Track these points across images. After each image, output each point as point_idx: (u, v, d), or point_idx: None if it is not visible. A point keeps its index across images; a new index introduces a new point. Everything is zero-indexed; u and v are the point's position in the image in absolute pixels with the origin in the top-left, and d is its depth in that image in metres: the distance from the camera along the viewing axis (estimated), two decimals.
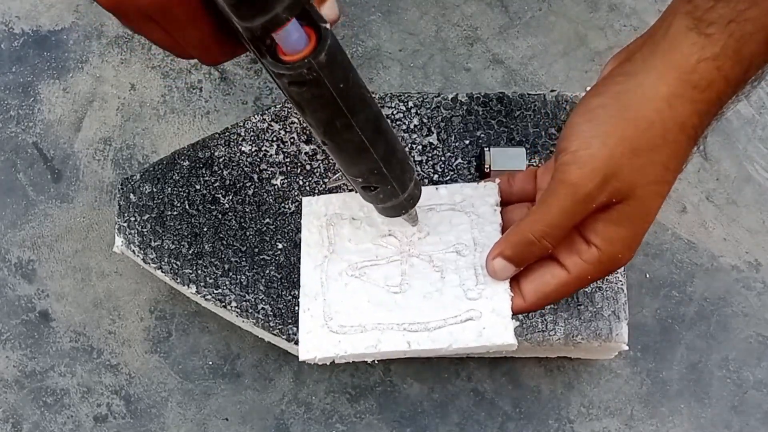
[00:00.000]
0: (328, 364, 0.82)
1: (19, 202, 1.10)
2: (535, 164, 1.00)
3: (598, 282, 0.96)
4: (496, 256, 0.75)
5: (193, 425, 1.03)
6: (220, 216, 0.99)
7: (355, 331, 0.80)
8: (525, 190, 0.82)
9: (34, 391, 1.04)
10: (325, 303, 0.81)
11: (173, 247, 0.98)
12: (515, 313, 0.77)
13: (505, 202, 0.81)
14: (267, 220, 0.98)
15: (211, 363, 1.05)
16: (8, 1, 1.18)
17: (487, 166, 0.89)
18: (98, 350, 1.06)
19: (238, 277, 0.97)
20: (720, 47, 0.67)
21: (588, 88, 1.11)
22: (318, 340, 0.80)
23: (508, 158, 0.88)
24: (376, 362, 1.04)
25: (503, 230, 0.80)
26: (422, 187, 0.82)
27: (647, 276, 1.07)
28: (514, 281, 0.77)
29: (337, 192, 0.91)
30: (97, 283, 1.08)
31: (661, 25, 0.70)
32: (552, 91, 1.04)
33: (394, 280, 0.82)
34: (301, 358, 0.80)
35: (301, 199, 0.90)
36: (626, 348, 0.97)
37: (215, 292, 0.96)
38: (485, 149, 0.89)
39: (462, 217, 0.83)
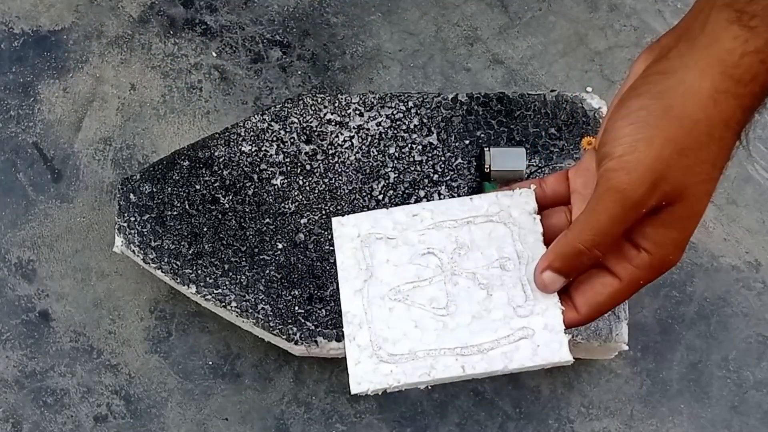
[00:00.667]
0: (380, 393, 0.81)
1: (19, 202, 1.10)
2: (535, 164, 1.00)
3: None
4: (544, 269, 0.73)
5: (193, 425, 1.03)
6: (220, 216, 0.99)
7: (407, 359, 0.77)
8: (558, 193, 0.78)
9: (34, 391, 1.04)
10: (371, 331, 0.79)
11: (173, 247, 0.98)
12: (569, 327, 0.75)
13: (539, 207, 0.79)
14: (267, 220, 0.98)
15: (211, 363, 1.05)
16: (8, 1, 1.18)
17: (487, 165, 0.89)
18: (98, 350, 1.06)
19: (238, 277, 0.97)
20: (764, 40, 0.64)
21: (588, 89, 1.12)
22: (369, 371, 0.78)
23: (508, 158, 0.89)
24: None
25: (544, 238, 0.78)
26: (455, 199, 0.81)
27: None
28: (566, 294, 0.74)
29: None
30: (97, 283, 1.08)
31: (696, 19, 0.68)
32: (552, 91, 1.04)
33: (439, 301, 0.79)
34: (352, 392, 0.77)
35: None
36: (626, 348, 0.97)
37: (215, 292, 0.96)
38: (485, 149, 0.89)
39: (502, 228, 0.80)
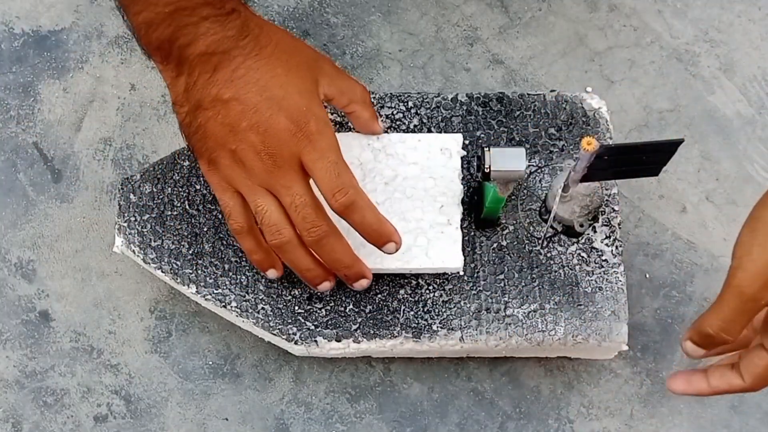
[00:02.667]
0: None
1: (19, 202, 1.10)
2: (534, 164, 1.00)
3: (599, 282, 0.96)
4: (686, 339, 0.82)
5: (193, 425, 1.03)
6: (220, 216, 0.99)
7: None
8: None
9: (34, 391, 1.04)
10: None
11: (173, 247, 0.98)
12: (737, 392, 0.83)
13: None
14: None
15: (211, 363, 1.05)
16: (8, 1, 1.18)
17: (486, 166, 0.89)
18: (98, 350, 1.06)
19: (238, 277, 0.97)
20: None
21: (588, 89, 1.13)
22: None
23: (507, 158, 0.88)
24: (375, 363, 1.04)
25: None
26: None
27: (647, 276, 1.07)
28: (734, 368, 0.82)
29: None
30: (97, 283, 1.08)
31: None
32: (552, 91, 1.04)
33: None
34: None
35: None
36: (626, 348, 0.97)
37: (215, 292, 0.96)
38: (485, 149, 0.89)
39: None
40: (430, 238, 0.96)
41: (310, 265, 0.92)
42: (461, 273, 0.97)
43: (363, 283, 0.93)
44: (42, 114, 1.13)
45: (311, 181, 0.88)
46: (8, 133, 1.13)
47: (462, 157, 0.99)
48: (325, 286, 0.93)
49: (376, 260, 0.94)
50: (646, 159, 0.85)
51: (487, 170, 0.88)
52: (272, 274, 0.94)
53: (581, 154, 0.83)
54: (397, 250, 0.91)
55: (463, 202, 0.98)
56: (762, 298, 0.76)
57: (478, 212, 0.98)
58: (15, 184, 1.11)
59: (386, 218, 0.90)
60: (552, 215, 0.94)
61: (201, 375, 1.05)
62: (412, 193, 0.98)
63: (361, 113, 0.97)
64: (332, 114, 1.01)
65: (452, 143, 0.99)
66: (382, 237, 0.90)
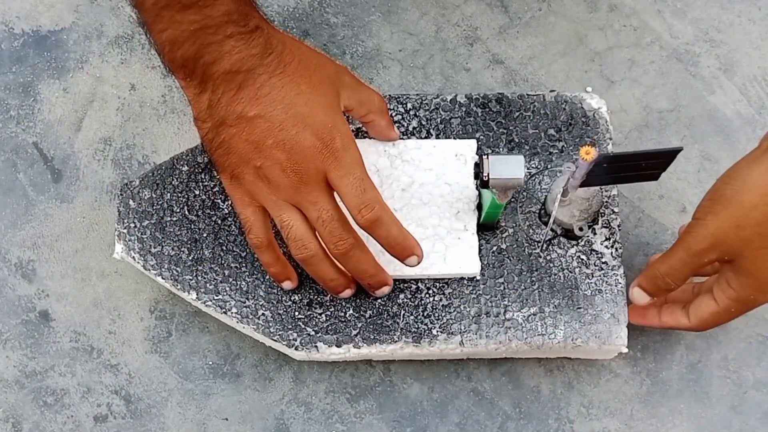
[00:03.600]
0: None
1: (19, 202, 1.10)
2: (534, 166, 1.00)
3: (598, 285, 0.96)
4: (635, 286, 0.94)
5: (193, 425, 1.03)
6: (219, 221, 0.99)
7: None
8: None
9: (34, 391, 1.04)
10: None
11: (173, 253, 0.98)
12: (683, 330, 0.97)
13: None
14: None
15: (211, 363, 1.05)
16: (8, 1, 1.17)
17: (485, 174, 0.88)
18: (98, 350, 1.06)
19: (238, 282, 0.97)
20: None
21: (588, 89, 1.12)
22: None
23: (506, 166, 0.87)
24: (375, 362, 1.04)
25: None
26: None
27: None
28: (685, 308, 0.95)
29: None
30: (97, 283, 1.08)
31: None
32: (551, 91, 1.04)
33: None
34: None
35: None
36: (626, 350, 0.97)
37: (216, 298, 0.96)
38: (483, 156, 0.89)
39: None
40: (447, 244, 0.97)
41: (334, 276, 0.93)
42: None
43: (385, 290, 0.96)
44: (42, 114, 1.13)
45: (335, 194, 0.90)
46: (8, 133, 1.12)
47: None
48: (347, 293, 0.95)
49: (396, 267, 0.95)
50: (645, 166, 0.85)
51: (485, 178, 0.88)
52: (288, 285, 0.96)
53: (579, 163, 0.83)
54: (418, 263, 0.93)
55: None
56: (705, 256, 0.87)
57: (477, 216, 0.98)
58: (15, 184, 1.11)
59: (409, 232, 0.92)
60: (551, 219, 0.94)
61: (201, 375, 1.05)
62: (429, 199, 0.99)
63: (379, 122, 0.99)
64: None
65: (467, 149, 1.01)
66: (405, 251, 0.91)
